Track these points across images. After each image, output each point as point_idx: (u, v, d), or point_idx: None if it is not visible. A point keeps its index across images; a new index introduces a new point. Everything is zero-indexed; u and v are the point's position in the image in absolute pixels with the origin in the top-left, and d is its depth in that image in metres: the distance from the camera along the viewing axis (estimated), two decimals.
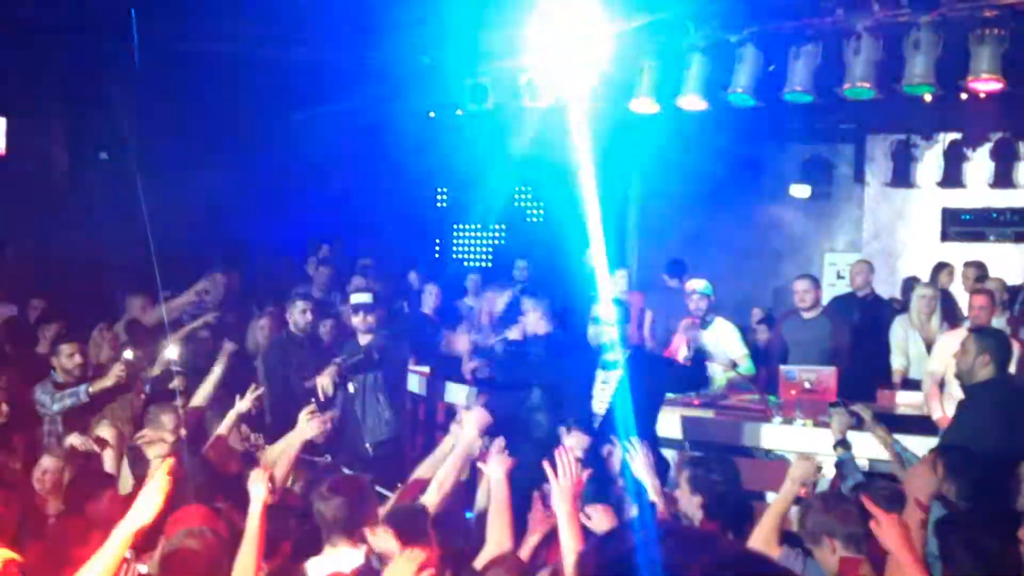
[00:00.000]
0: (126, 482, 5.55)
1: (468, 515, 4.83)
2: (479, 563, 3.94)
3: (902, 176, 11.76)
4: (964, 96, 8.91)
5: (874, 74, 8.49)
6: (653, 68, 9.52)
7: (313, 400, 5.97)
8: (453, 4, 9.40)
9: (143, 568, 3.97)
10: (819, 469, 4.58)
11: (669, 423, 6.78)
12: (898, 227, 11.89)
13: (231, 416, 5.87)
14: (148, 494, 3.49)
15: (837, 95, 8.81)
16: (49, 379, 6.51)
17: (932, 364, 7.38)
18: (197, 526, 3.79)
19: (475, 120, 10.60)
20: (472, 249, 13.64)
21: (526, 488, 4.39)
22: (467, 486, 4.96)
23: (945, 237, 11.66)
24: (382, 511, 4.15)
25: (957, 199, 11.59)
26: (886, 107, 9.66)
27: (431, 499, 4.39)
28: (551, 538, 4.07)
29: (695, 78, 9.16)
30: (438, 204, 13.75)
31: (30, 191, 9.78)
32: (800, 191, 12.14)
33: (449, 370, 8.31)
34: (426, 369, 8.84)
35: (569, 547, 3.50)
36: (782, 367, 7.53)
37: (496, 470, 4.26)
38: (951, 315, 8.54)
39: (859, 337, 8.30)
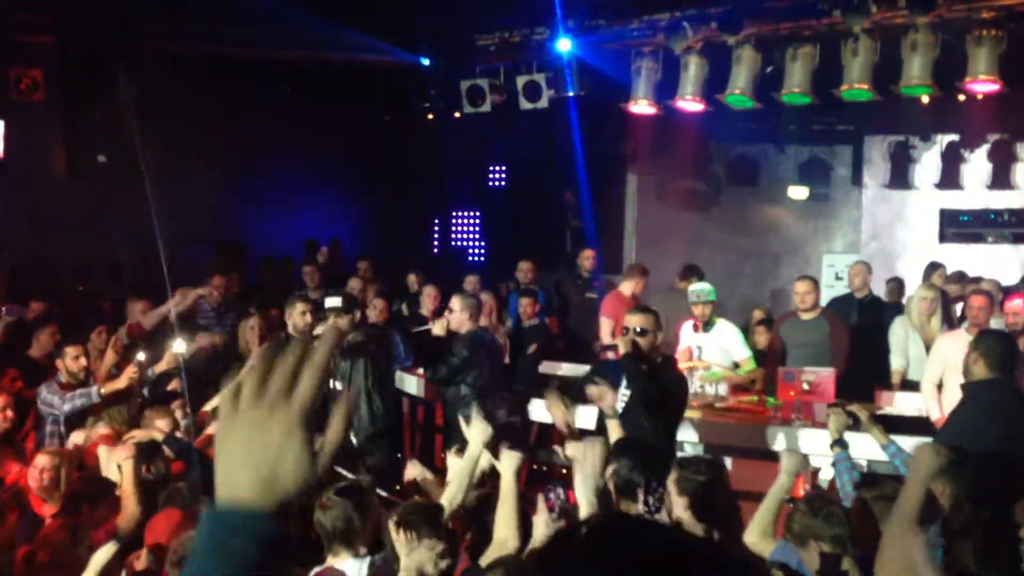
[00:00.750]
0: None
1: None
2: (484, 560, 3.92)
3: (900, 178, 11.76)
4: (962, 97, 8.93)
5: (871, 76, 8.51)
6: (651, 69, 9.55)
7: None
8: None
9: None
10: (807, 460, 4.61)
11: None
12: (896, 228, 11.89)
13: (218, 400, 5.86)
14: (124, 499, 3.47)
15: (835, 97, 8.84)
16: (54, 380, 6.55)
17: (931, 365, 7.37)
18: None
19: (473, 120, 10.63)
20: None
21: None
22: None
23: (943, 238, 11.66)
24: (392, 514, 4.09)
25: (955, 200, 11.59)
26: (884, 109, 9.69)
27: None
28: None
29: (693, 80, 9.18)
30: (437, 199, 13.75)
31: (28, 194, 9.78)
32: (798, 193, 12.14)
33: None
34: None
35: None
36: (781, 368, 7.52)
37: (507, 466, 4.24)
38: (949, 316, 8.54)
39: (858, 338, 8.30)
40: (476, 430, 4.63)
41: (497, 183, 13.87)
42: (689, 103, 9.36)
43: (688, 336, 8.05)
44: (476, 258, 13.54)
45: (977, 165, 11.44)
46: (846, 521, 3.78)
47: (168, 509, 4.63)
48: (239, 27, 9.84)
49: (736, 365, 7.84)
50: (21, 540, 4.34)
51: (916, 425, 6.88)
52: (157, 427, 5.68)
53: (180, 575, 3.74)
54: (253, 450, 1.21)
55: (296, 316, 7.33)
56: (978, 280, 8.86)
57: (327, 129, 11.09)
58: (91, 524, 4.67)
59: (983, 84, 8.24)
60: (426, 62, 10.60)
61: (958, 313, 8.39)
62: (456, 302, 7.17)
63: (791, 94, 8.83)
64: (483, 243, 13.70)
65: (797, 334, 8.21)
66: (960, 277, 9.40)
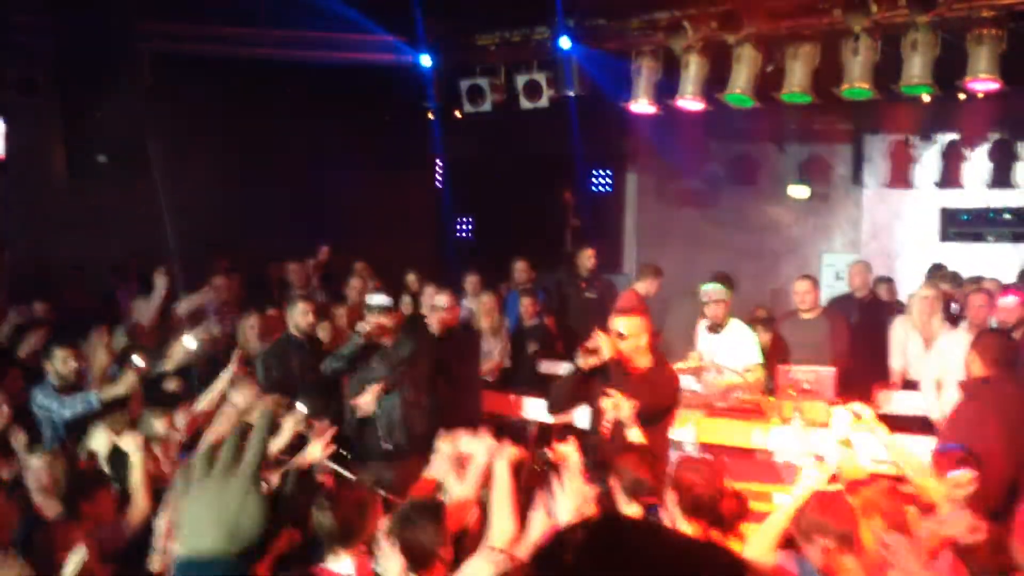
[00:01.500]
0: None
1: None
2: (482, 549, 3.92)
3: (900, 177, 11.78)
4: (962, 96, 8.92)
5: (872, 75, 8.50)
6: (651, 68, 9.55)
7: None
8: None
9: None
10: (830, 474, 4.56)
11: None
12: (896, 228, 11.90)
13: (219, 385, 5.86)
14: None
15: (835, 96, 8.84)
16: (46, 382, 6.45)
17: (931, 365, 7.39)
18: None
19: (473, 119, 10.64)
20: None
21: None
22: None
23: (944, 237, 11.67)
24: (391, 514, 4.09)
25: (955, 199, 11.60)
26: (884, 108, 9.69)
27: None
28: None
29: (693, 79, 9.18)
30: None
31: (29, 194, 9.78)
32: (798, 192, 12.14)
33: None
34: None
35: None
36: (781, 367, 7.53)
37: (500, 459, 4.26)
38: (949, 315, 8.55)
39: (858, 338, 8.30)
40: (480, 443, 4.60)
41: (495, 183, 13.87)
42: (689, 102, 9.35)
43: (703, 337, 8.04)
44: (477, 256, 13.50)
45: (977, 164, 11.45)
46: (854, 519, 3.77)
47: None
48: (239, 27, 9.84)
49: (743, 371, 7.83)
50: (19, 540, 4.33)
51: (917, 424, 6.89)
52: (154, 428, 5.70)
53: None
54: (217, 510, 1.44)
55: (298, 316, 7.34)
56: (979, 279, 8.86)
57: (328, 128, 11.09)
58: (101, 520, 4.68)
59: (983, 83, 8.23)
60: (427, 61, 10.60)
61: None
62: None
63: (791, 93, 8.82)
64: (482, 242, 13.67)
65: (797, 333, 8.22)
66: (954, 277, 9.40)
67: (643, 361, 5.47)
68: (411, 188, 12.25)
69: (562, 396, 5.78)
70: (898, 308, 9.00)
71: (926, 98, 8.97)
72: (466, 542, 4.17)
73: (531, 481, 4.67)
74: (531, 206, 12.98)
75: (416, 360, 6.99)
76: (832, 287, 11.22)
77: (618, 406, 5.14)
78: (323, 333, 8.42)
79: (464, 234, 14.11)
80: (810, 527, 3.83)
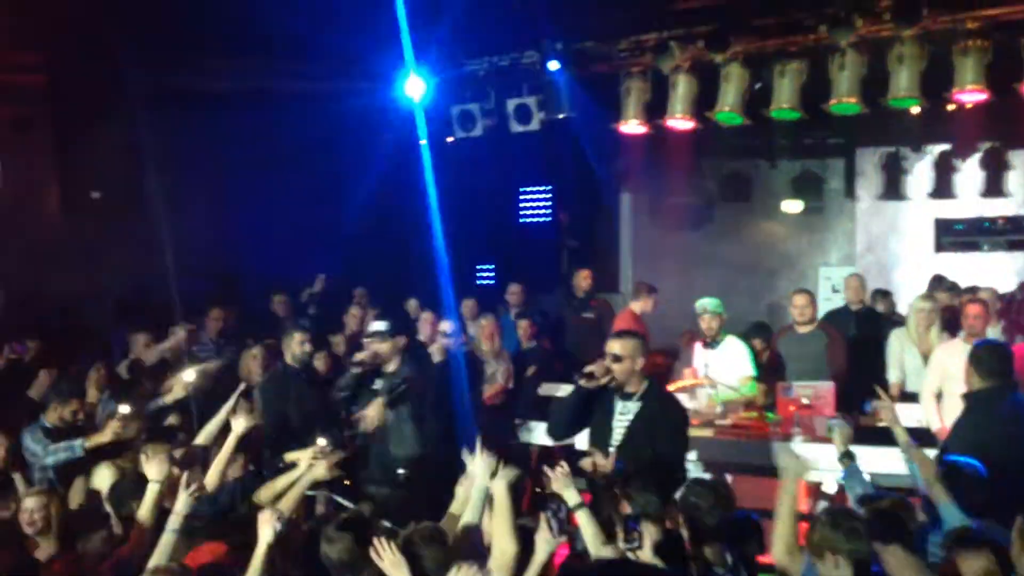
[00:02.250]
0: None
1: None
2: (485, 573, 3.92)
3: (893, 189, 11.82)
4: (951, 107, 8.97)
5: (860, 89, 8.55)
6: (640, 89, 9.59)
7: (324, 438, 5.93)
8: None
9: None
10: (805, 463, 4.59)
11: None
12: (891, 239, 11.92)
13: (230, 442, 5.85)
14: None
15: (825, 111, 8.88)
16: (37, 424, 6.44)
17: (929, 376, 7.37)
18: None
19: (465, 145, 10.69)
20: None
21: None
22: None
23: (939, 248, 11.69)
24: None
25: (949, 209, 11.63)
26: (874, 121, 9.73)
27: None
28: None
29: (682, 99, 9.23)
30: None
31: (23, 231, 9.80)
32: (792, 207, 12.17)
33: None
34: None
35: None
36: (780, 383, 7.52)
37: (499, 482, 4.26)
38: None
39: (855, 351, 8.30)
40: (480, 461, 4.58)
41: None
42: (679, 121, 9.40)
43: (698, 353, 8.06)
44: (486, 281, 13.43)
45: (969, 174, 11.48)
46: (866, 538, 3.76)
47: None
48: (229, 61, 9.89)
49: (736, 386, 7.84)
50: None
51: (916, 436, 6.86)
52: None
53: None
54: None
55: (294, 346, 7.33)
56: (975, 289, 8.86)
57: (320, 159, 11.13)
58: (94, 559, 4.66)
59: (971, 94, 8.28)
60: (416, 88, 10.65)
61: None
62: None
63: (780, 110, 8.87)
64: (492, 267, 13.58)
65: (795, 348, 8.22)
66: (951, 287, 9.41)
67: (641, 383, 5.43)
68: (405, 214, 12.26)
69: (563, 420, 5.75)
70: (895, 320, 9.00)
71: (915, 110, 9.02)
72: None
73: (534, 503, 4.68)
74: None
75: (418, 386, 7.01)
76: (830, 300, 11.21)
77: (596, 464, 5.16)
78: (320, 362, 8.41)
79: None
80: (823, 543, 3.82)
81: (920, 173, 11.71)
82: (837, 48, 8.48)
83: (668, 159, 11.33)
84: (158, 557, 4.43)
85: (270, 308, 10.42)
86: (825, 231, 12.34)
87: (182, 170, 10.47)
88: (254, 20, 8.67)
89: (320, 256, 11.08)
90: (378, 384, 6.95)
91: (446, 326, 7.61)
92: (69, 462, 6.22)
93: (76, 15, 8.43)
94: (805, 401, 7.09)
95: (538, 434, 8.07)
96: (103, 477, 6.01)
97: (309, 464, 5.43)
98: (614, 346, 5.40)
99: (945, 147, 11.47)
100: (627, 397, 5.41)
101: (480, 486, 4.49)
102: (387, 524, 4.89)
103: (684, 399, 7.72)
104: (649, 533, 4.31)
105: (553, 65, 9.85)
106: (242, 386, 6.78)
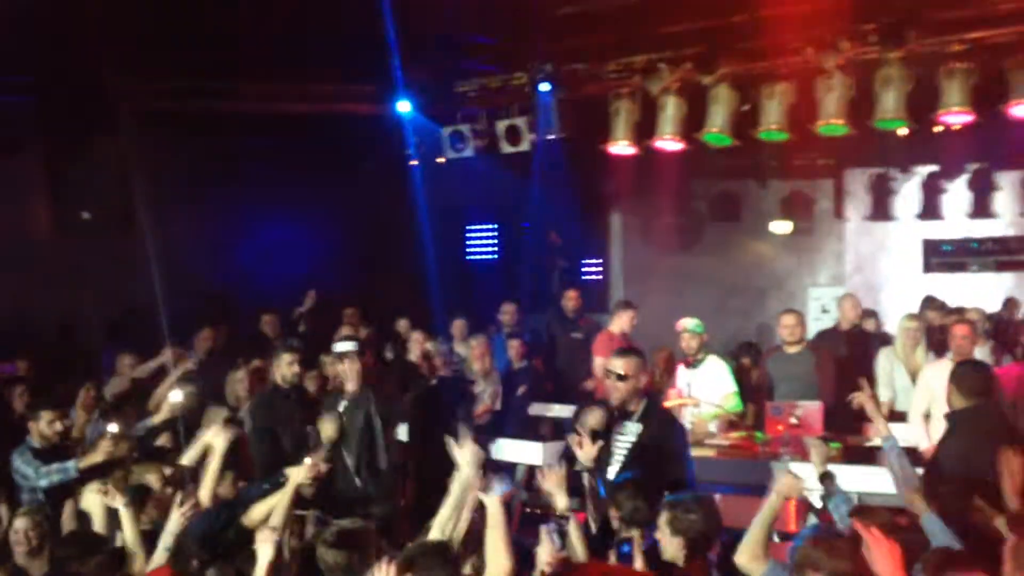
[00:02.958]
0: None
1: None
2: None
3: (882, 209, 11.89)
4: (938, 129, 9.04)
5: (847, 111, 8.62)
6: (630, 110, 9.65)
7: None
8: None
9: None
10: (802, 486, 4.61)
11: None
12: (880, 260, 11.99)
13: (216, 459, 5.84)
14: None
15: (813, 132, 8.95)
16: (25, 445, 6.38)
17: (917, 396, 7.41)
18: None
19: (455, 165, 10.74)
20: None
21: None
22: None
23: (927, 268, 11.75)
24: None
25: (937, 230, 11.71)
26: (863, 142, 9.79)
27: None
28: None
29: (671, 120, 9.28)
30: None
31: (13, 252, 9.79)
32: (781, 227, 12.23)
33: None
34: None
35: None
36: (768, 403, 7.55)
37: (491, 497, 4.19)
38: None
39: (844, 370, 8.33)
40: (467, 451, 4.60)
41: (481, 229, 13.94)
42: (668, 143, 9.46)
43: (680, 374, 8.10)
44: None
45: (957, 195, 11.57)
46: (849, 557, 3.76)
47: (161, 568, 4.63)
48: (220, 82, 9.93)
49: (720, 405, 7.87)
50: None
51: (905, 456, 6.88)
52: (149, 482, 5.67)
53: None
54: None
55: (283, 367, 7.31)
56: (961, 310, 8.91)
57: (311, 179, 11.16)
58: None
59: (956, 116, 8.36)
60: (407, 109, 10.70)
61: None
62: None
63: (769, 131, 8.93)
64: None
65: (784, 368, 8.24)
66: (941, 306, 9.46)
67: (641, 401, 5.43)
68: (396, 234, 12.29)
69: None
70: (884, 339, 9.03)
71: (903, 132, 9.09)
72: None
73: (524, 522, 4.69)
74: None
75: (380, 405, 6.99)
76: (819, 320, 11.26)
77: (579, 444, 5.15)
78: (311, 382, 8.41)
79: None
80: (804, 560, 3.83)
81: (908, 194, 11.79)
82: (824, 70, 8.55)
83: (658, 179, 11.38)
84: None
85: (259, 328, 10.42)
86: (814, 251, 12.40)
87: (173, 190, 10.48)
88: (245, 42, 8.72)
89: (311, 275, 11.09)
90: (342, 405, 6.87)
91: (431, 346, 7.59)
92: (62, 484, 6.18)
93: (66, 36, 8.45)
94: (793, 421, 7.12)
95: (527, 454, 8.07)
96: (92, 499, 5.99)
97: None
98: (617, 365, 5.39)
99: (933, 168, 11.56)
100: (627, 416, 5.42)
101: (464, 476, 4.50)
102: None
103: None
104: (637, 544, 4.35)
105: (543, 86, 9.93)
106: (224, 414, 6.77)
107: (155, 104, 9.89)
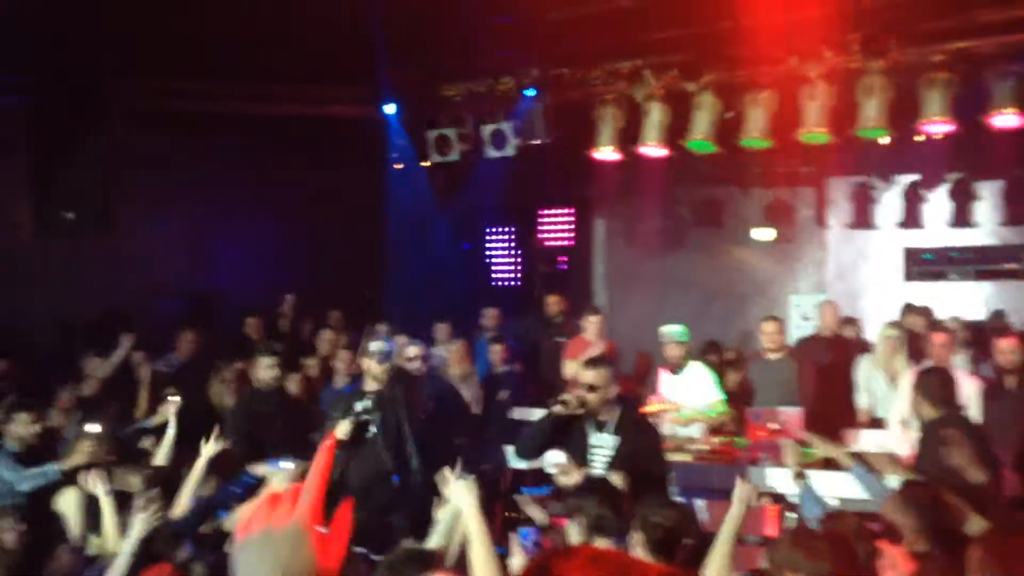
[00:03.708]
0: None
1: None
2: None
3: (863, 217, 11.95)
4: (920, 138, 9.11)
5: (829, 119, 8.68)
6: (615, 116, 9.69)
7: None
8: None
9: None
10: (758, 491, 4.63)
11: None
12: (861, 268, 12.05)
13: (199, 465, 5.84)
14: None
15: (795, 140, 9.01)
16: (4, 452, 6.36)
17: (897, 404, 7.47)
18: None
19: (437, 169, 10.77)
20: None
21: None
22: None
23: (908, 277, 11.83)
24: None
25: (918, 239, 11.78)
26: (845, 150, 9.86)
27: None
28: None
29: (655, 126, 9.33)
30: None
31: None
32: (763, 234, 12.29)
33: None
34: None
35: None
36: (749, 409, 7.60)
37: (466, 500, 4.03)
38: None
39: (825, 377, 8.39)
40: (455, 485, 4.45)
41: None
42: (653, 149, 9.50)
43: (664, 380, 8.13)
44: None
45: (938, 204, 11.64)
46: (828, 560, 3.79)
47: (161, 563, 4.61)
48: (205, 84, 9.91)
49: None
50: None
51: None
52: (131, 484, 5.67)
53: None
54: (270, 563, 1.60)
55: (262, 370, 7.32)
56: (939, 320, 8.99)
57: (294, 181, 11.15)
58: None
59: (937, 125, 8.43)
60: (391, 111, 10.72)
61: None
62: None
63: (751, 138, 8.99)
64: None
65: (764, 374, 8.30)
66: (925, 312, 9.54)
67: (615, 410, 5.44)
68: (379, 237, 12.30)
69: (533, 442, 5.76)
70: (863, 347, 9.10)
71: (884, 141, 9.16)
72: None
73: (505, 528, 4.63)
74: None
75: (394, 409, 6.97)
76: (800, 328, 11.33)
77: (567, 473, 5.07)
78: (294, 385, 8.41)
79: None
80: (783, 562, 3.86)
81: (889, 202, 11.86)
82: (807, 79, 8.61)
83: (642, 185, 11.43)
84: None
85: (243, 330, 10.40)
86: (796, 259, 12.46)
87: (157, 191, 10.46)
88: (229, 43, 8.71)
89: (293, 277, 11.07)
90: (359, 406, 6.84)
91: (412, 351, 7.58)
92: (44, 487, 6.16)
93: (57, 36, 8.43)
94: (774, 427, 7.16)
95: (510, 458, 8.09)
96: (69, 499, 5.97)
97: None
98: (587, 376, 5.40)
99: (914, 177, 11.63)
100: (601, 427, 5.44)
101: (450, 509, 4.42)
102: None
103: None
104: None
105: (529, 92, 9.96)
106: (174, 402, 6.79)
107: (141, 105, 9.87)
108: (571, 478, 4.85)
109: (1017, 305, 10.92)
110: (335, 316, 10.56)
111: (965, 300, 11.14)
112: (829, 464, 6.28)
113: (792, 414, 7.32)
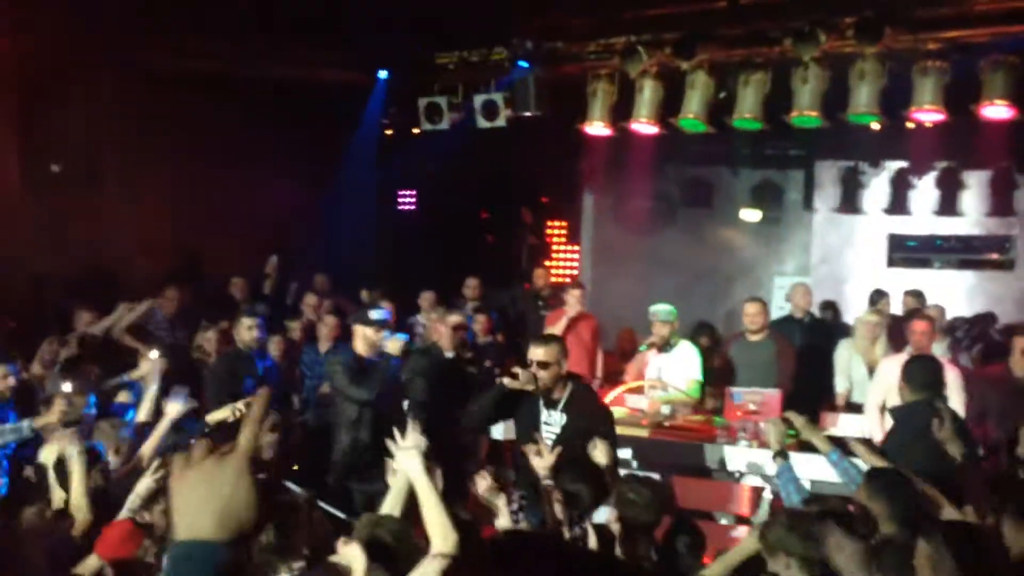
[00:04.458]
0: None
1: None
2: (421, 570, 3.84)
3: (850, 202, 11.98)
4: (910, 125, 9.15)
5: (821, 103, 8.70)
6: (606, 92, 9.68)
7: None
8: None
9: None
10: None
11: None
12: (846, 252, 12.10)
13: (163, 424, 5.87)
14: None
15: (786, 122, 9.03)
16: None
17: (874, 388, 7.52)
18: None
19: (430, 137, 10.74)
20: None
21: None
22: None
23: (891, 263, 11.88)
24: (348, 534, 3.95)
25: (903, 226, 11.82)
26: (835, 135, 9.89)
27: None
28: None
29: (647, 103, 9.32)
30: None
31: None
32: (750, 215, 12.31)
33: None
34: None
35: None
36: (729, 389, 7.65)
37: (412, 463, 3.88)
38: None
39: (803, 359, 8.44)
40: (402, 453, 4.11)
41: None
42: (643, 125, 9.50)
43: (652, 358, 8.15)
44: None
45: (924, 191, 11.68)
46: (820, 544, 3.81)
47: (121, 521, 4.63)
48: (199, 41, 9.84)
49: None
50: None
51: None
52: (109, 435, 5.69)
53: None
54: (211, 496, 1.46)
55: (242, 331, 7.35)
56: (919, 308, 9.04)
57: (284, 141, 11.10)
58: (29, 535, 4.63)
59: (928, 114, 8.47)
60: (384, 77, 10.67)
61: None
62: None
63: (742, 119, 9.00)
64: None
65: (745, 355, 8.34)
66: (917, 294, 9.57)
67: (567, 388, 5.49)
68: (368, 204, 12.27)
69: (481, 412, 5.85)
70: (844, 331, 9.15)
71: (875, 126, 9.19)
72: None
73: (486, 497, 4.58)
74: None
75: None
76: (783, 309, 11.35)
77: (540, 453, 4.97)
78: (274, 347, 8.41)
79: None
80: (778, 544, 3.88)
81: (877, 188, 11.89)
82: (800, 62, 8.62)
83: (632, 162, 11.43)
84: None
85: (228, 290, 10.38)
86: (782, 241, 12.49)
87: (146, 146, 10.39)
88: (225, 1, 8.64)
89: (279, 238, 11.04)
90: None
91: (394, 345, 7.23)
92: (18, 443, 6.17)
93: None
94: (752, 407, 7.22)
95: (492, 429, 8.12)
96: (50, 451, 5.97)
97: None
98: (538, 352, 5.44)
99: (902, 164, 11.66)
100: (552, 405, 5.49)
101: (401, 473, 4.30)
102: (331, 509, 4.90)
103: (633, 399, 7.87)
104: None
105: (522, 63, 9.93)
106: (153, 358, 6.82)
107: (134, 58, 9.79)
108: (545, 460, 4.86)
109: (1000, 295, 11.01)
110: (320, 280, 10.55)
111: (947, 288, 11.19)
112: (803, 447, 6.35)
113: (770, 395, 7.36)
